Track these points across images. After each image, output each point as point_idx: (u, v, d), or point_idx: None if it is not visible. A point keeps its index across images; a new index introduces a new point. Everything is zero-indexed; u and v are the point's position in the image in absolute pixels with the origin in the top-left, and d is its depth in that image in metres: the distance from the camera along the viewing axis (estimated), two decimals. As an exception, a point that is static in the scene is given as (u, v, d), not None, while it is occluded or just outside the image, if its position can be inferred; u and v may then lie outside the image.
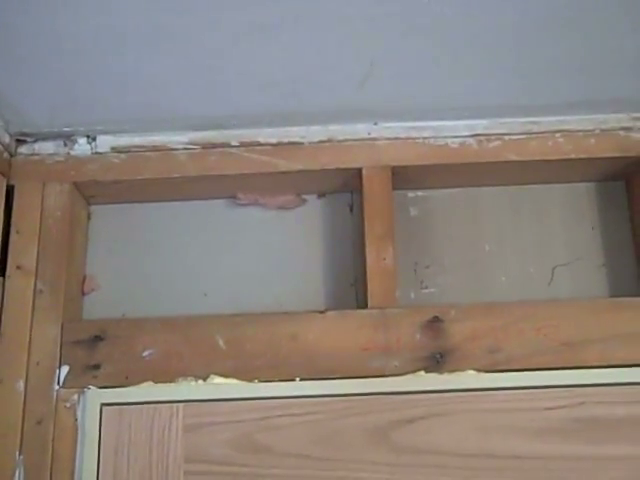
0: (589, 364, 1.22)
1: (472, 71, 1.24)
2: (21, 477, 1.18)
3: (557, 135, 1.36)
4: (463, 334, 1.24)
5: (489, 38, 1.16)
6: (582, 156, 1.35)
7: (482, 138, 1.37)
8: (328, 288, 1.38)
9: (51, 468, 1.19)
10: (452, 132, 1.37)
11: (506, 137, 1.36)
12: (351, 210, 1.43)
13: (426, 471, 1.17)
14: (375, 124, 1.38)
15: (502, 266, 1.40)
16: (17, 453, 1.19)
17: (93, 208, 1.44)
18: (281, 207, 1.43)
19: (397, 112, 1.35)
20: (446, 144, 1.37)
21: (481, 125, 1.37)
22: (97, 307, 1.38)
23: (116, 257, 1.42)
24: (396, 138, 1.37)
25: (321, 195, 1.44)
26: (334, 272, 1.39)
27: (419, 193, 1.44)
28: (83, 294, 1.38)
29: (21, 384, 1.23)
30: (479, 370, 1.22)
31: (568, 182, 1.43)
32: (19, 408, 1.22)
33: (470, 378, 1.21)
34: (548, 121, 1.36)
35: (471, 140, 1.37)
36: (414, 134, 1.37)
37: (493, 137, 1.37)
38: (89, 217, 1.44)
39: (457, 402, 1.20)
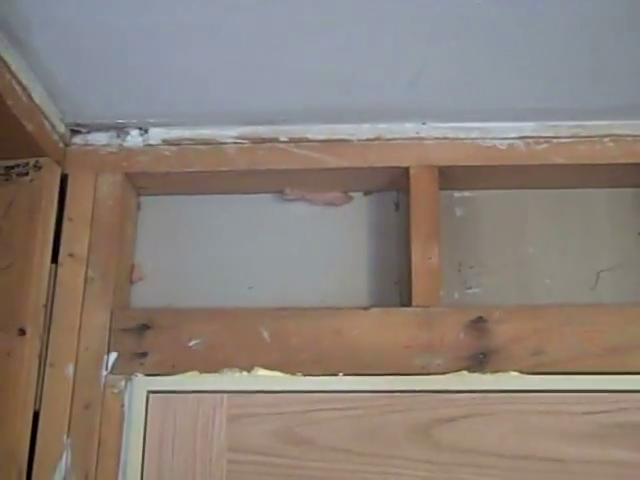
0: (632, 370, 1.22)
1: (521, 73, 1.25)
2: (68, 460, 1.21)
3: (605, 139, 1.36)
4: (507, 335, 1.25)
5: (539, 41, 1.17)
6: (630, 161, 1.35)
7: (530, 140, 1.37)
8: (372, 286, 1.39)
9: (97, 452, 1.22)
10: (500, 134, 1.38)
11: (554, 140, 1.37)
12: (397, 209, 1.44)
13: (466, 470, 1.18)
14: (424, 124, 1.38)
15: (546, 269, 1.40)
16: (65, 436, 1.22)
17: (143, 199, 1.47)
18: (328, 203, 1.44)
19: (445, 112, 1.36)
20: (494, 145, 1.37)
21: (529, 127, 1.37)
22: (144, 296, 1.40)
23: (164, 248, 1.44)
24: (444, 138, 1.38)
25: (367, 193, 1.45)
26: (378, 270, 1.40)
27: (465, 194, 1.44)
28: (131, 283, 1.41)
29: (70, 369, 1.26)
30: (522, 372, 1.22)
31: (615, 187, 1.42)
32: (68, 392, 1.25)
33: (513, 379, 1.22)
34: (597, 125, 1.36)
35: (519, 142, 1.37)
36: (462, 135, 1.38)
37: (541, 140, 1.37)
38: (139, 207, 1.46)
39: (499, 403, 1.21)
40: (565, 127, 1.37)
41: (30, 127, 1.25)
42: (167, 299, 1.39)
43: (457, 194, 1.45)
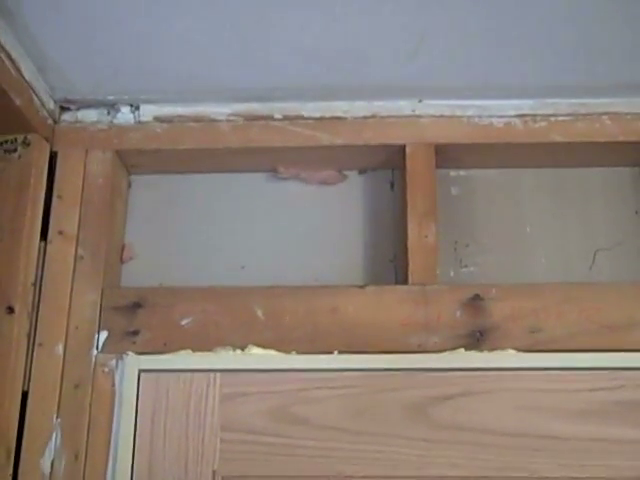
0: (630, 347, 1.21)
1: (520, 50, 1.23)
2: (58, 440, 1.19)
3: (604, 117, 1.35)
4: (504, 313, 1.23)
5: (540, 16, 1.15)
6: (629, 139, 1.34)
7: (528, 118, 1.35)
8: (367, 264, 1.38)
9: (88, 432, 1.19)
10: (497, 111, 1.36)
11: (552, 118, 1.35)
12: (392, 187, 1.42)
13: (463, 448, 1.17)
14: (420, 101, 1.37)
15: (543, 248, 1.38)
16: (55, 416, 1.20)
17: (134, 177, 1.45)
18: (322, 182, 1.42)
19: (442, 89, 1.34)
20: (491, 123, 1.36)
21: (527, 105, 1.36)
22: (134, 276, 1.38)
23: (154, 227, 1.42)
24: (440, 116, 1.36)
25: (362, 171, 1.44)
26: (373, 248, 1.39)
27: (461, 172, 1.43)
28: (122, 262, 1.38)
29: (60, 348, 1.24)
30: (519, 349, 1.21)
31: (613, 165, 1.41)
32: (58, 372, 1.22)
33: (510, 357, 1.20)
34: (595, 103, 1.35)
35: (517, 120, 1.36)
36: (459, 112, 1.36)
37: (539, 118, 1.35)
38: (129, 186, 1.44)
39: (496, 381, 1.19)
40: (564, 105, 1.35)
41: (19, 102, 1.23)
42: (158, 279, 1.36)
43: (453, 173, 1.43)
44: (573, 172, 1.42)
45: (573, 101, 1.35)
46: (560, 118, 1.35)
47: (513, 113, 1.36)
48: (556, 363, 1.20)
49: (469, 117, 1.36)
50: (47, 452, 1.18)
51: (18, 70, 1.22)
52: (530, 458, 1.16)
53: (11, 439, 1.18)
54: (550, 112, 1.35)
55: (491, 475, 1.15)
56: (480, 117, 1.36)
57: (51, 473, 1.17)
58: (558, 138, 1.34)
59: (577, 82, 1.31)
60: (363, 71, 1.29)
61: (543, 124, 1.35)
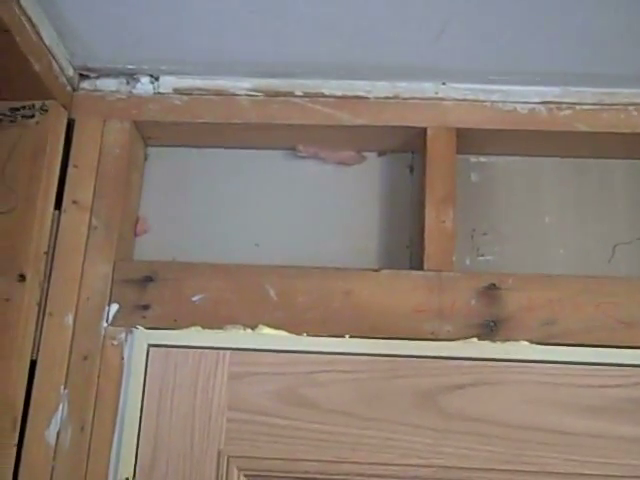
0: (647, 344, 1.19)
1: (547, 36, 1.21)
2: (65, 411, 1.18)
3: (630, 108, 1.32)
4: (519, 304, 1.21)
5: (570, 2, 1.13)
6: (655, 131, 1.31)
7: (552, 106, 1.33)
8: (382, 248, 1.36)
9: (95, 404, 1.19)
10: (522, 97, 1.33)
11: (577, 107, 1.33)
12: (411, 171, 1.40)
13: (472, 439, 1.15)
14: (443, 84, 1.35)
15: (561, 239, 1.36)
16: (62, 387, 1.19)
17: (150, 150, 1.43)
18: (340, 162, 1.40)
19: (467, 73, 1.32)
20: (515, 109, 1.33)
21: (552, 92, 1.33)
22: (148, 249, 1.37)
23: (169, 201, 1.40)
24: (463, 100, 1.34)
25: (382, 153, 1.41)
26: (389, 232, 1.37)
27: (481, 159, 1.41)
28: (135, 235, 1.37)
29: (70, 318, 1.22)
30: (533, 341, 1.19)
31: (637, 158, 1.38)
32: (67, 342, 1.21)
33: (523, 349, 1.19)
34: (622, 93, 1.32)
35: (541, 107, 1.33)
36: (482, 97, 1.34)
37: (564, 106, 1.33)
38: (146, 158, 1.42)
39: (508, 372, 1.18)
40: (589, 94, 1.33)
41: (38, 67, 1.21)
42: (171, 253, 1.35)
43: (473, 159, 1.41)
44: (596, 163, 1.39)
45: (599, 90, 1.33)
46: (585, 107, 1.33)
47: (538, 100, 1.33)
48: (570, 357, 1.18)
49: (493, 102, 1.34)
50: (53, 423, 1.17)
51: (38, 34, 1.20)
52: (539, 452, 1.14)
53: (18, 408, 1.17)
54: (575, 100, 1.33)
55: (499, 467, 1.14)
56: (504, 102, 1.33)
57: (56, 444, 1.16)
58: (582, 127, 1.32)
59: (604, 71, 1.29)
60: (386, 50, 1.27)
61: (568, 112, 1.33)
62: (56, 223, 1.28)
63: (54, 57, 1.26)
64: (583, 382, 1.17)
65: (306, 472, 1.15)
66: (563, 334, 1.20)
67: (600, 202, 1.38)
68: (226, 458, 1.15)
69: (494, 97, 1.34)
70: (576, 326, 1.20)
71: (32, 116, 1.29)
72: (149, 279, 1.25)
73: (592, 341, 1.19)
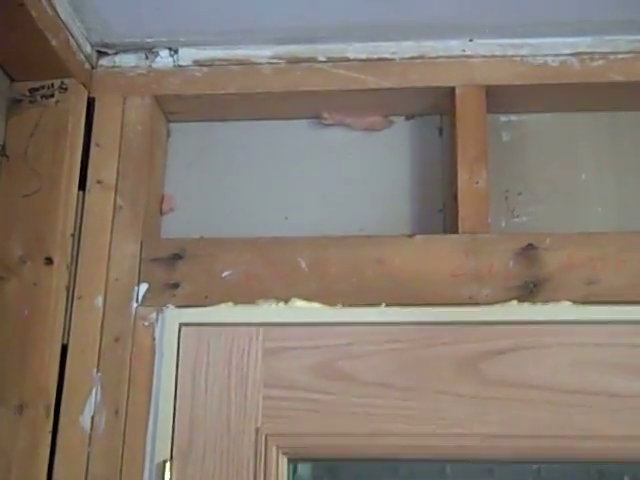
0: (694, 299, 1.15)
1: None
2: (98, 394, 1.16)
3: (668, 55, 1.27)
4: (559, 263, 1.17)
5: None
6: (695, 79, 1.26)
7: (585, 57, 1.29)
8: (414, 214, 1.32)
9: (128, 387, 1.17)
10: (552, 50, 1.29)
11: (611, 56, 1.28)
12: (440, 134, 1.36)
13: (514, 405, 1.12)
14: (470, 41, 1.31)
15: (599, 197, 1.32)
16: (95, 370, 1.17)
17: (173, 125, 1.40)
18: (367, 128, 1.37)
19: (494, 27, 1.28)
20: (545, 63, 1.29)
21: (584, 43, 1.29)
22: (174, 227, 1.34)
23: (195, 177, 1.38)
24: (492, 56, 1.30)
25: (409, 117, 1.38)
26: (421, 197, 1.33)
27: (512, 117, 1.36)
28: (161, 214, 1.35)
29: (100, 300, 1.21)
30: (574, 301, 1.15)
31: (675, 108, 1.33)
32: (97, 325, 1.20)
33: (565, 309, 1.15)
34: (659, 39, 1.27)
35: (573, 59, 1.29)
36: (511, 52, 1.30)
37: (597, 56, 1.28)
38: (168, 134, 1.40)
39: (550, 334, 1.14)
40: (624, 42, 1.28)
41: (55, 43, 1.19)
42: (199, 230, 1.31)
43: (503, 118, 1.37)
44: (632, 115, 1.34)
45: (634, 37, 1.28)
46: (620, 56, 1.28)
47: (569, 52, 1.29)
48: (614, 316, 1.14)
49: (522, 57, 1.30)
50: (87, 407, 1.15)
51: (54, 9, 1.18)
52: (585, 415, 1.11)
53: (51, 395, 1.15)
54: (609, 50, 1.28)
55: (544, 434, 1.11)
56: (534, 56, 1.30)
57: (91, 429, 1.15)
58: (617, 78, 1.27)
59: (637, 16, 1.24)
60: (410, 8, 1.23)
61: (601, 62, 1.28)
62: (81, 204, 1.26)
63: (71, 33, 1.23)
64: (628, 341, 1.14)
65: (346, 446, 1.13)
66: (606, 293, 1.16)
67: (638, 156, 1.33)
68: (264, 436, 1.13)
69: (523, 51, 1.30)
70: (619, 283, 1.16)
71: (52, 95, 1.27)
72: (177, 257, 1.23)
73: (636, 298, 1.15)
